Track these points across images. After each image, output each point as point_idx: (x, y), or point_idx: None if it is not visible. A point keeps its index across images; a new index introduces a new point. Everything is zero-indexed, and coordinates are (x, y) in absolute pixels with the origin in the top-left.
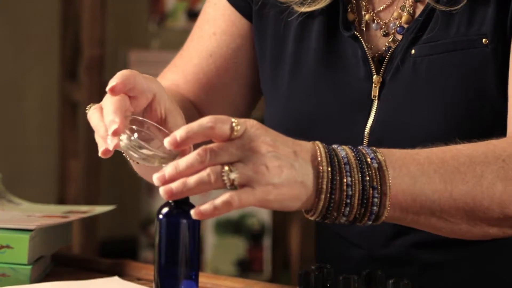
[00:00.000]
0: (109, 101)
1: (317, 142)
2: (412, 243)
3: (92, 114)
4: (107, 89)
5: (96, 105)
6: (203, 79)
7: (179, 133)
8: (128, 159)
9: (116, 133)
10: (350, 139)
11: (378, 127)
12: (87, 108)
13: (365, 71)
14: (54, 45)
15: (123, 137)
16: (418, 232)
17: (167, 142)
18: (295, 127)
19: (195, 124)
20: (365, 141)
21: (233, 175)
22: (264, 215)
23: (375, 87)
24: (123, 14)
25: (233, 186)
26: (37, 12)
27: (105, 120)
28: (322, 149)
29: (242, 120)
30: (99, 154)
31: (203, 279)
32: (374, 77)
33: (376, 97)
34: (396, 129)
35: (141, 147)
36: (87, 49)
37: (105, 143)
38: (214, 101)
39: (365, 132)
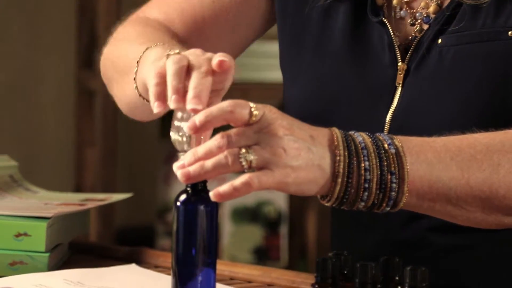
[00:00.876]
0: (202, 73)
1: (334, 128)
2: (428, 227)
3: (174, 66)
4: (215, 61)
5: (184, 60)
6: (199, 22)
7: (198, 118)
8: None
9: (177, 105)
10: (371, 125)
11: (400, 114)
12: (171, 51)
13: (390, 58)
14: (70, 34)
15: (179, 114)
16: (434, 217)
17: (186, 127)
18: (316, 109)
19: (215, 108)
20: (386, 127)
21: (250, 157)
22: (281, 203)
23: (400, 74)
24: (139, 2)
25: (251, 169)
26: (53, 1)
27: (190, 87)
28: (338, 134)
29: (260, 105)
30: (155, 106)
31: (220, 266)
32: (399, 64)
33: (400, 84)
34: (418, 117)
35: (180, 131)
36: (103, 37)
37: (157, 100)
38: (201, 46)
39: (387, 119)
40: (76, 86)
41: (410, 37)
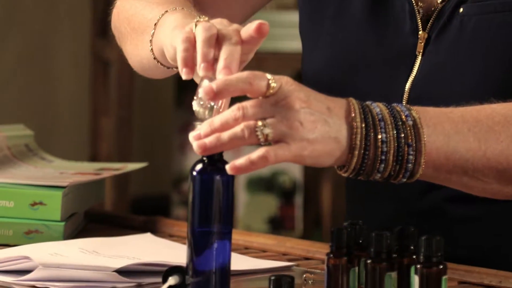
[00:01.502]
0: (233, 44)
1: (351, 98)
2: (445, 197)
3: (205, 33)
4: (254, 27)
5: (213, 29)
6: None
7: (216, 83)
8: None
9: (206, 73)
10: (390, 93)
11: (419, 83)
12: (200, 18)
13: (411, 26)
14: (86, 3)
15: (206, 82)
16: (450, 187)
17: (202, 91)
18: (335, 77)
19: (234, 77)
20: (405, 96)
21: (267, 131)
22: (296, 173)
23: (420, 43)
24: None
25: (267, 142)
26: None
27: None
28: (356, 105)
29: (277, 77)
30: (184, 73)
31: (235, 236)
32: (420, 32)
33: (420, 53)
34: (437, 87)
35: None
36: None
37: (185, 67)
38: (212, 10)
39: (406, 88)
40: (91, 55)
41: (433, 8)
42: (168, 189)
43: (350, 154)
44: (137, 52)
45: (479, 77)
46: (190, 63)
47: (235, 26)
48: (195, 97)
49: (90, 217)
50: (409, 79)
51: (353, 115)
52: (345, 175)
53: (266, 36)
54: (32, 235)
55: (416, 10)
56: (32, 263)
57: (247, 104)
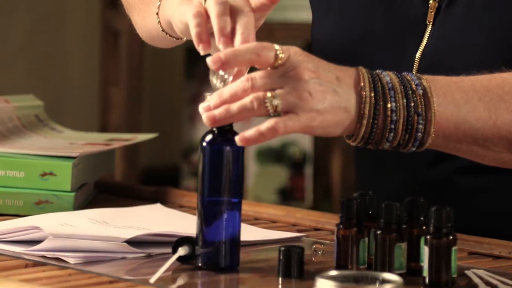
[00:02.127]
0: (247, 16)
1: (361, 67)
2: (454, 168)
3: (218, 6)
4: None
5: (225, 1)
6: None
7: (224, 53)
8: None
9: (226, 47)
10: (400, 63)
11: (429, 53)
12: None
13: None
14: None
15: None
16: (460, 158)
17: (210, 60)
18: (345, 47)
19: (242, 47)
20: (415, 66)
21: (276, 102)
22: (306, 144)
23: (431, 12)
24: None
25: (276, 113)
26: None
27: (238, 31)
28: (365, 74)
29: (285, 47)
30: (201, 49)
31: (245, 206)
32: (431, 1)
33: (431, 23)
34: (448, 56)
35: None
36: None
37: (201, 42)
38: None
39: (416, 57)
40: (101, 25)
41: None
42: (178, 160)
43: (359, 124)
44: (145, 23)
45: (488, 46)
46: (205, 37)
47: None
48: (211, 71)
49: (100, 187)
50: (419, 49)
51: (362, 84)
52: (353, 144)
53: (278, 2)
54: (42, 206)
55: None
56: (42, 233)
57: (256, 75)
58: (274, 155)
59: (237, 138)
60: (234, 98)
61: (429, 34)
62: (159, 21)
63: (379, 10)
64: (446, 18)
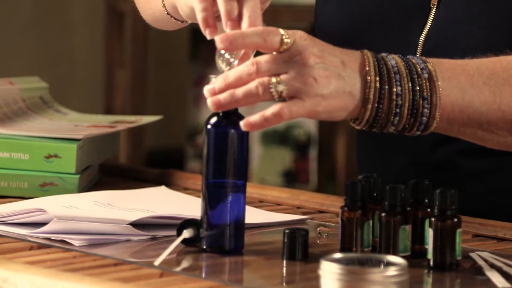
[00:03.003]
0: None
1: (366, 50)
2: (457, 151)
3: None
4: None
5: None
6: None
7: (231, 33)
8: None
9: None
10: (404, 46)
11: (433, 36)
12: None
13: None
14: None
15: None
16: (463, 140)
17: (217, 39)
18: (349, 29)
19: (249, 30)
20: (419, 49)
21: (281, 87)
22: (311, 126)
23: None
24: None
25: (281, 98)
26: None
27: (245, 15)
28: (370, 58)
29: (291, 32)
30: (207, 33)
31: (250, 189)
32: None
33: (435, 6)
34: (452, 39)
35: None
36: None
37: (207, 27)
38: None
39: (420, 40)
40: (106, 7)
41: None
42: (183, 142)
43: (363, 108)
44: (149, 5)
45: (492, 29)
46: (212, 21)
47: None
48: (217, 53)
49: (105, 170)
50: (423, 31)
51: (367, 68)
52: (358, 127)
53: None
54: (47, 188)
55: None
56: (47, 215)
57: (261, 59)
58: (279, 137)
59: (241, 123)
60: (239, 81)
61: (433, 17)
62: (163, 4)
63: None
64: (450, 1)
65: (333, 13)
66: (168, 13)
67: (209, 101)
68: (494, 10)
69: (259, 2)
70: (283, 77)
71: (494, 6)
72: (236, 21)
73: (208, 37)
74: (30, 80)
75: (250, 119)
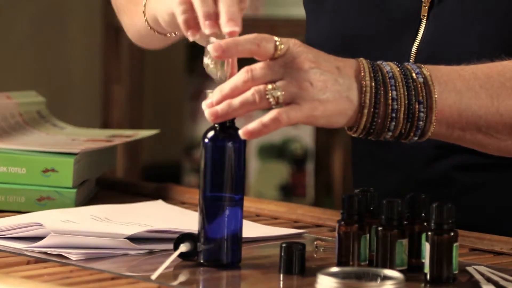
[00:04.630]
0: None
1: (361, 58)
2: (453, 166)
3: None
4: None
5: None
6: None
7: (224, 41)
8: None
9: (212, 30)
10: (396, 59)
11: (425, 47)
12: None
13: None
14: None
15: (214, 39)
16: (459, 155)
17: (211, 48)
18: (340, 44)
19: (242, 38)
20: (411, 60)
21: (277, 93)
22: (307, 140)
23: (425, 6)
24: None
25: (279, 105)
26: None
27: (222, 11)
28: (365, 64)
29: (285, 39)
30: (189, 35)
31: (247, 203)
32: None
33: (425, 17)
34: (444, 49)
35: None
36: None
37: (189, 28)
38: None
39: (412, 52)
40: (103, 23)
41: None
42: (180, 156)
43: (360, 113)
44: (133, 22)
45: (483, 38)
46: (192, 23)
47: None
48: (205, 53)
49: (102, 184)
50: (414, 43)
51: (362, 74)
52: (355, 135)
53: None
54: (44, 202)
55: None
56: (43, 229)
57: (255, 66)
58: (276, 151)
59: (240, 132)
60: (235, 91)
61: (424, 29)
62: (146, 19)
63: (373, 6)
64: (440, 11)
65: (323, 31)
66: (151, 28)
67: (207, 113)
68: (483, 19)
69: (236, 1)
70: (279, 83)
71: (484, 15)
72: (214, 21)
73: (190, 39)
74: (27, 95)
75: (248, 127)
